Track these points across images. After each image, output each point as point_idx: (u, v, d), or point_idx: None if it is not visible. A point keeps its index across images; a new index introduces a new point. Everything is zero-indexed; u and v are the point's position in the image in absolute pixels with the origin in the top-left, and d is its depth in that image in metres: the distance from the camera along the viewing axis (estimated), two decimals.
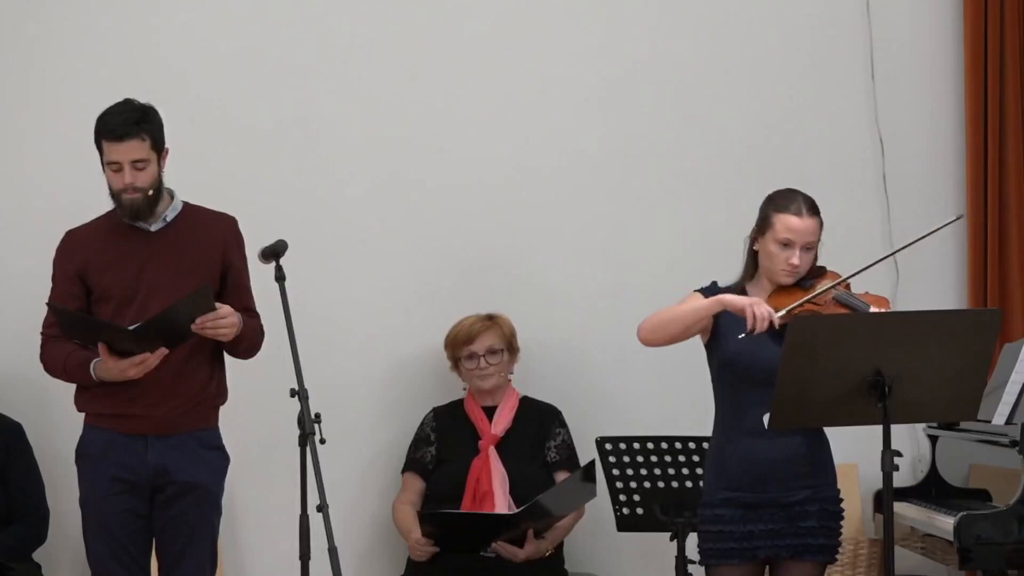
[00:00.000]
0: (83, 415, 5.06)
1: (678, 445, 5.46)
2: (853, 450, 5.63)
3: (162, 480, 4.96)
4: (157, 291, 4.94)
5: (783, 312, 4.78)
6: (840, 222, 5.55)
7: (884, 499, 4.66)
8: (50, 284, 5.07)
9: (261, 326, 5.12)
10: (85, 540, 5.03)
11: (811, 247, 4.89)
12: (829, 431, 4.93)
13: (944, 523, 5.19)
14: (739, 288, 4.96)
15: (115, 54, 5.98)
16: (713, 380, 4.97)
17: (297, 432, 4.69)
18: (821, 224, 4.90)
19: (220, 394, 5.11)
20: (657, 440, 5.47)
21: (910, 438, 6.14)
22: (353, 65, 6.12)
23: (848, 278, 4.91)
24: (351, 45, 6.13)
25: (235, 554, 5.98)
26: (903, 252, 6.06)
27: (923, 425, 5.92)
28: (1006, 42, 6.23)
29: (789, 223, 4.86)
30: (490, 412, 5.91)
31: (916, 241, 5.06)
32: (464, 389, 5.99)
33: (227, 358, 5.11)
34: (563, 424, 5.96)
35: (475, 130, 6.17)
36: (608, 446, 5.49)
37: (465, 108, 6.16)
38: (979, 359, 4.64)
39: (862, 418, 4.67)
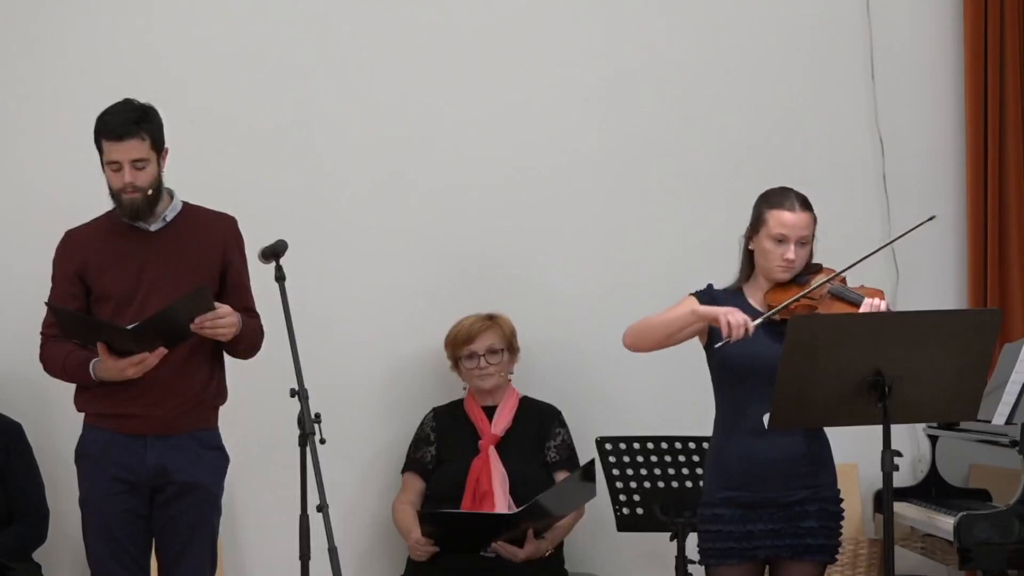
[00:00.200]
0: (83, 415, 5.06)
1: (678, 445, 5.46)
2: (853, 450, 5.62)
3: (162, 480, 4.95)
4: (157, 291, 4.94)
5: (778, 309, 4.79)
6: (840, 222, 5.56)
7: (884, 499, 4.65)
8: (50, 284, 5.07)
9: (261, 326, 5.11)
10: (85, 540, 5.02)
11: (805, 242, 4.90)
12: (829, 431, 4.93)
13: (944, 523, 5.19)
14: (736, 289, 4.97)
15: (115, 54, 5.98)
16: (713, 380, 4.97)
17: (297, 432, 4.69)
18: (814, 219, 4.91)
19: (220, 394, 5.10)
20: (657, 440, 5.47)
21: (910, 438, 6.14)
22: (353, 66, 6.12)
23: (842, 272, 4.91)
24: (351, 46, 6.12)
25: (235, 554, 5.98)
26: (903, 252, 6.11)
27: (923, 425, 5.91)
28: (1006, 42, 6.23)
29: (782, 218, 4.87)
30: (490, 412, 5.91)
31: (890, 243, 5.28)
32: (464, 389, 5.98)
33: (227, 358, 5.11)
34: (563, 424, 5.96)
35: (475, 130, 6.16)
36: (608, 446, 5.49)
37: (465, 108, 6.16)
38: (979, 359, 4.64)
39: (862, 418, 4.67)
